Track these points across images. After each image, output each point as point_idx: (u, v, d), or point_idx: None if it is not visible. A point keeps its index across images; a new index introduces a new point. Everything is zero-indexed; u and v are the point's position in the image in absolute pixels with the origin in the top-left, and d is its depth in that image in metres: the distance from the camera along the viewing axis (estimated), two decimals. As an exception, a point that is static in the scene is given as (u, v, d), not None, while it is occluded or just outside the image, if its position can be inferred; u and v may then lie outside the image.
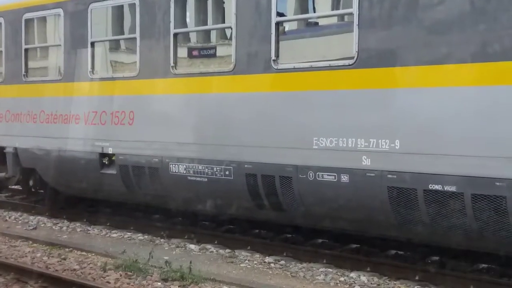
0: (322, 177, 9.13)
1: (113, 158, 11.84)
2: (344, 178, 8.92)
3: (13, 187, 15.32)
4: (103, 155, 11.99)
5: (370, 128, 8.66)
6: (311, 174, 9.24)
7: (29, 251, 10.57)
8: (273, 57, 9.65)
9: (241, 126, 10.03)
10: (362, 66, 8.77)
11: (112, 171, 11.88)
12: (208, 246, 11.03)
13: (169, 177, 10.95)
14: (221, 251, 10.76)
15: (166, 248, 11.08)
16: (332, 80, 9.08)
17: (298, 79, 9.43)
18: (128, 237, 11.95)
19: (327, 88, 9.15)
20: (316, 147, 9.17)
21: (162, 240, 11.60)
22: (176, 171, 10.82)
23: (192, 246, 11.05)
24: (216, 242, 11.21)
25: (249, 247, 10.82)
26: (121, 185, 11.84)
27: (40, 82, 13.34)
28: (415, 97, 8.37)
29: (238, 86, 10.09)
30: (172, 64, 10.91)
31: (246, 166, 9.96)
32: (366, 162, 8.72)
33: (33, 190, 14.57)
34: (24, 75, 13.60)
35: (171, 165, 10.87)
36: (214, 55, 10.80)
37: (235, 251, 10.68)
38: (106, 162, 11.97)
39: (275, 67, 9.64)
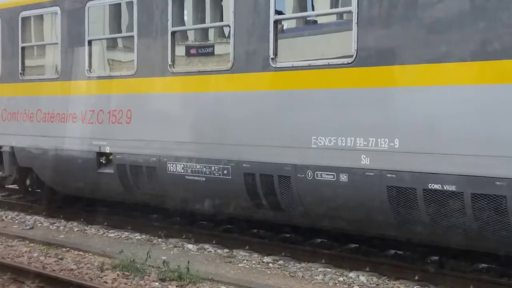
0: (321, 176, 9.08)
1: (111, 157, 11.78)
2: (343, 177, 8.87)
3: (9, 186, 15.25)
4: (100, 154, 11.93)
5: (369, 127, 8.61)
6: (309, 173, 9.19)
7: (26, 251, 10.51)
8: (271, 56, 9.60)
9: (239, 125, 9.98)
10: (361, 64, 8.73)
11: (109, 170, 11.82)
12: (206, 246, 10.98)
13: (167, 177, 10.89)
14: (219, 251, 10.71)
15: (163, 248, 11.03)
16: (331, 79, 9.03)
17: (297, 77, 9.38)
18: (126, 236, 11.89)
19: (325, 86, 9.10)
20: (315, 146, 9.12)
21: (159, 239, 11.55)
22: (174, 171, 10.76)
23: (190, 246, 11.00)
24: (214, 242, 11.16)
25: (247, 247, 10.77)
26: (118, 185, 11.78)
27: (37, 81, 13.28)
28: (414, 96, 8.32)
29: (236, 84, 10.04)
30: (170, 62, 10.86)
31: (244, 165, 9.91)
32: (365, 162, 8.68)
33: (30, 189, 14.50)
34: (21, 73, 13.53)
35: (168, 164, 10.82)
36: (212, 54, 10.75)
37: (233, 251, 10.63)
38: (104, 161, 11.91)
39: (274, 66, 9.59)
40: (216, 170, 10.22)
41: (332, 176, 8.98)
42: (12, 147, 13.64)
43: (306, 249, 10.41)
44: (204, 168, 10.37)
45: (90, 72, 12.17)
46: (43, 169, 13.17)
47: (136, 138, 11.32)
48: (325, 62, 9.12)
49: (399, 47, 8.43)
